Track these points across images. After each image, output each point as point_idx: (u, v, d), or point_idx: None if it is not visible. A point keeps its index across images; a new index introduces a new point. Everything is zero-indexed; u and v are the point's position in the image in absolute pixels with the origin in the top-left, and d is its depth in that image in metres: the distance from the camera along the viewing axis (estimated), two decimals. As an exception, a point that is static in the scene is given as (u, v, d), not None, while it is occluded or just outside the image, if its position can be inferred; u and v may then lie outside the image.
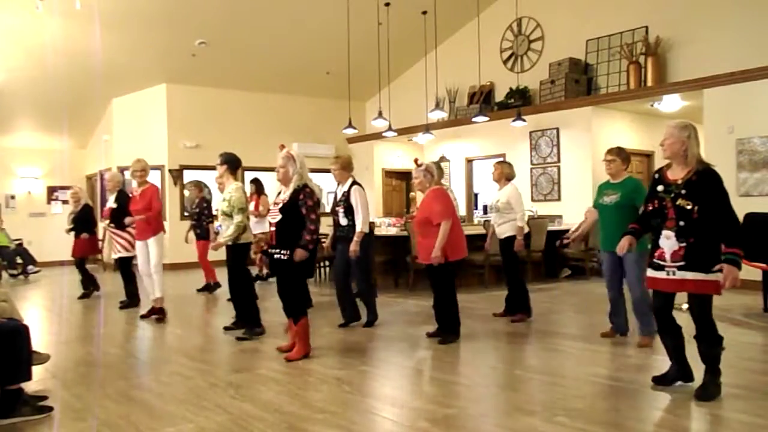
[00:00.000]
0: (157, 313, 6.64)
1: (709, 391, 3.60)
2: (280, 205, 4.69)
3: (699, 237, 3.56)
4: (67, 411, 3.66)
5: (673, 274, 3.63)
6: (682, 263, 3.60)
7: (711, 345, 3.62)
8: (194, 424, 3.39)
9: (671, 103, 9.77)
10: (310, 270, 4.90)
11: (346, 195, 5.81)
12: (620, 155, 5.18)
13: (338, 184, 5.98)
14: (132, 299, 7.45)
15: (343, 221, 5.81)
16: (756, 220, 6.54)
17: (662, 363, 4.51)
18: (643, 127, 10.87)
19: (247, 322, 5.66)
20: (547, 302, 7.33)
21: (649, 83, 9.50)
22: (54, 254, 11.91)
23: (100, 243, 9.11)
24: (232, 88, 12.91)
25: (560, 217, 10.32)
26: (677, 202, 3.61)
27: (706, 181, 3.59)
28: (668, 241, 3.64)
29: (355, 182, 5.89)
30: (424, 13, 10.82)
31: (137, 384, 4.25)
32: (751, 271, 6.41)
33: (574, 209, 10.25)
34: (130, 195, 7.00)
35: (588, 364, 4.59)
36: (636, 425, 3.29)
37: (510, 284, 6.32)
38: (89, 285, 8.45)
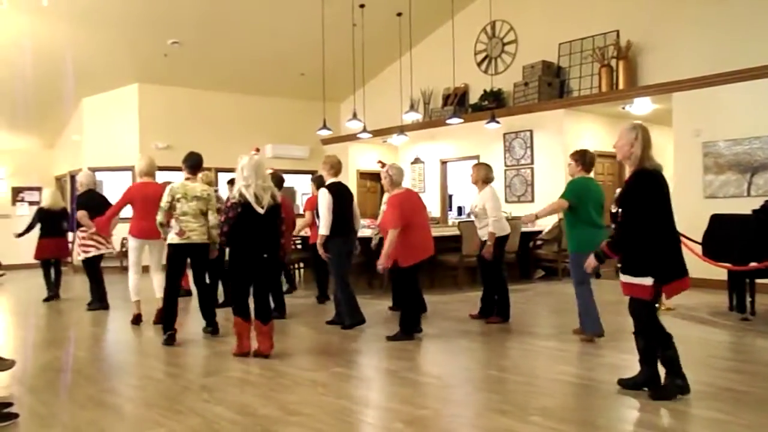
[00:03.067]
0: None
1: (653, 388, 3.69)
2: None
3: (625, 241, 3.62)
4: (34, 417, 3.57)
5: (619, 277, 3.75)
6: (620, 266, 3.72)
7: (646, 340, 3.68)
8: (166, 428, 3.34)
9: (642, 106, 9.94)
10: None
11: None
12: (573, 157, 5.42)
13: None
14: (102, 301, 7.30)
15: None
16: (721, 221, 6.69)
17: (633, 362, 4.59)
18: (614, 130, 10.83)
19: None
20: (522, 303, 7.39)
21: (621, 86, 9.64)
22: (20, 257, 11.44)
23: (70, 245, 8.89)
24: (205, 88, 12.77)
25: (533, 218, 10.41)
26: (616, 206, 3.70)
27: (630, 184, 3.61)
28: None
29: (322, 185, 6.05)
30: (399, 14, 10.84)
31: (107, 388, 4.17)
32: (716, 271, 6.56)
33: (547, 210, 10.36)
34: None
35: (561, 363, 4.64)
36: (608, 423, 3.34)
37: (487, 285, 6.31)
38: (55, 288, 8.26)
